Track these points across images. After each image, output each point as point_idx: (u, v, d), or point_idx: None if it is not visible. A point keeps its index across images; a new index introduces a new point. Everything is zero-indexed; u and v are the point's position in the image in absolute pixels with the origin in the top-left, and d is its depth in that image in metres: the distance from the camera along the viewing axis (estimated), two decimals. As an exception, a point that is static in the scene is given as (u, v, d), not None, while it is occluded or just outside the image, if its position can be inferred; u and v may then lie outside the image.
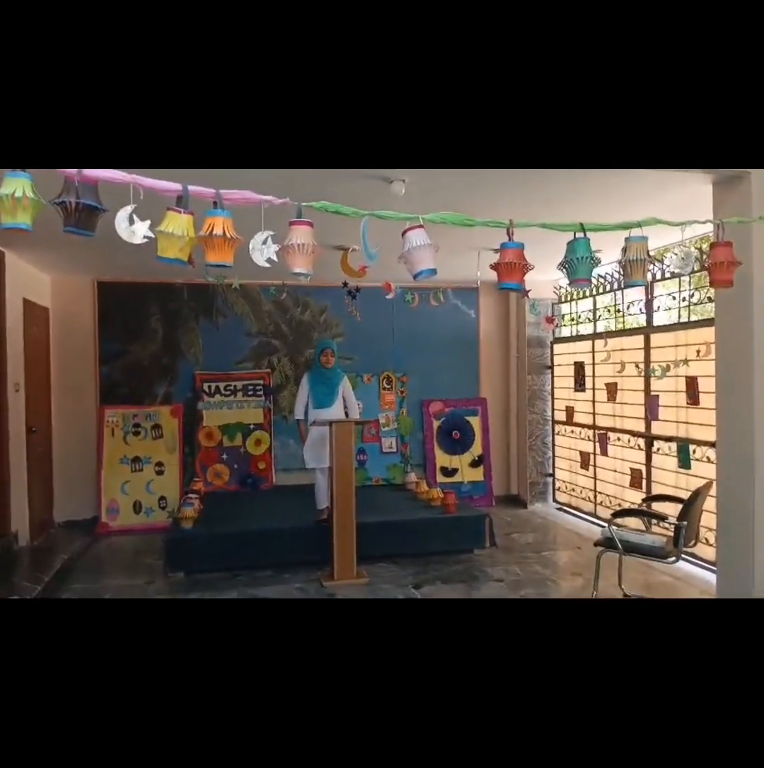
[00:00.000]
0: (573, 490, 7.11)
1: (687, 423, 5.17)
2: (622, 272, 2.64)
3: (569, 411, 7.12)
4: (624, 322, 6.30)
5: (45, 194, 1.82)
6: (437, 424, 7.57)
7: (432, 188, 3.90)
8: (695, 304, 5.24)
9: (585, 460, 6.81)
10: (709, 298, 4.92)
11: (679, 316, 5.37)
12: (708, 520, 4.25)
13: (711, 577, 4.44)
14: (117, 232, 1.92)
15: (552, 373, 7.49)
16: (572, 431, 7.11)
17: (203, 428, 6.96)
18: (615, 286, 6.28)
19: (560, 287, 7.29)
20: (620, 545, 3.92)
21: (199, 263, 2.12)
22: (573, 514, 7.04)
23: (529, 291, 6.23)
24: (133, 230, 1.92)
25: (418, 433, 7.54)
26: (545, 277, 6.84)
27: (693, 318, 5.22)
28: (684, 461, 5.12)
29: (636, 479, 5.86)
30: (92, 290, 6.87)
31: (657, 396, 5.53)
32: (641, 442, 5.80)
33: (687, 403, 5.12)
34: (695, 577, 4.84)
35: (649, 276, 4.64)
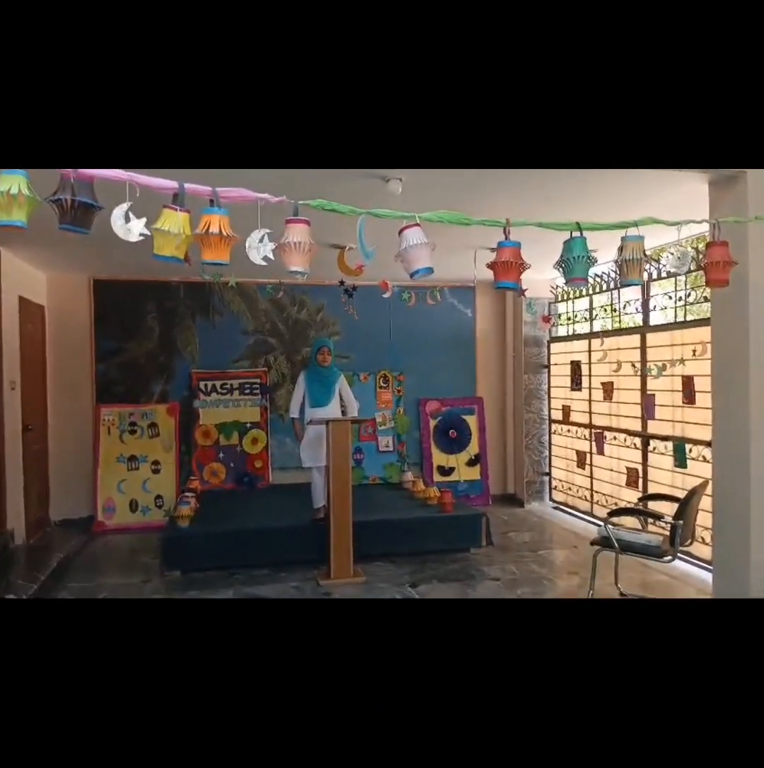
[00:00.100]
0: (570, 489, 7.12)
1: (683, 422, 5.18)
2: (618, 272, 2.64)
3: (566, 410, 7.13)
4: (620, 321, 6.31)
5: (41, 191, 1.82)
6: (433, 423, 7.57)
7: (429, 187, 3.90)
8: (691, 303, 5.25)
9: (581, 459, 6.82)
10: (705, 298, 4.93)
11: (675, 316, 5.38)
12: (704, 519, 4.26)
13: (708, 576, 4.45)
14: (113, 230, 1.91)
15: (549, 372, 7.50)
16: (568, 430, 7.11)
17: (200, 427, 6.95)
18: (612, 285, 6.29)
19: (557, 286, 7.29)
20: (616, 544, 3.93)
21: (195, 261, 2.12)
22: (570, 513, 7.04)
23: (526, 290, 6.24)
24: (129, 228, 1.91)
25: (415, 432, 7.55)
26: (541, 276, 6.85)
27: (689, 317, 5.23)
28: (680, 460, 5.13)
29: (632, 478, 5.87)
30: (88, 288, 6.86)
31: (653, 395, 5.55)
32: (637, 441, 5.81)
33: (683, 403, 5.13)
34: (691, 576, 4.86)
35: (645, 275, 4.65)
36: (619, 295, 6.24)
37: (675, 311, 5.39)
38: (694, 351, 4.98)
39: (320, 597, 4.56)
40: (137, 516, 6.65)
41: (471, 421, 7.65)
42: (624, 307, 6.18)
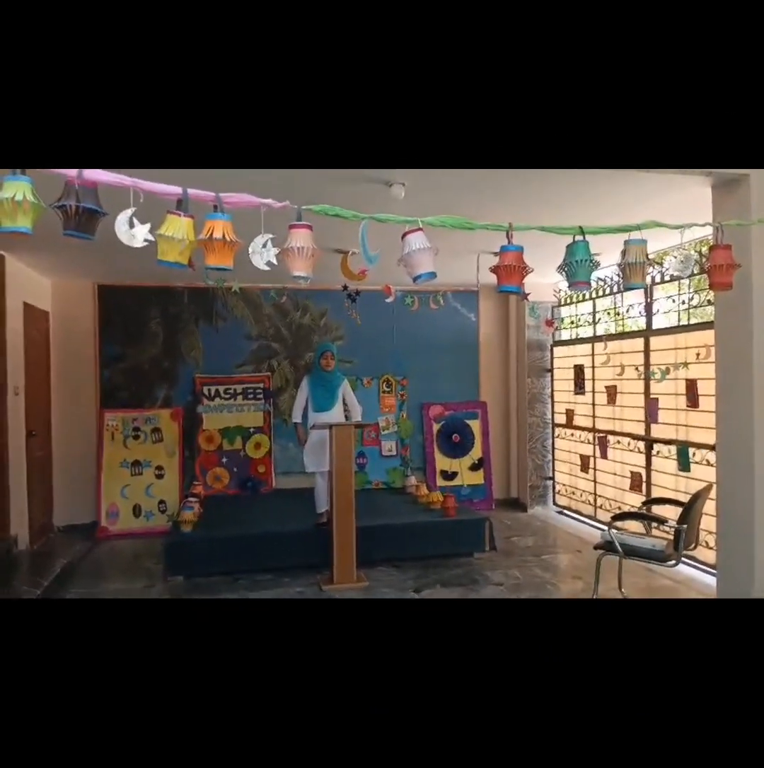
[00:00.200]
0: (573, 493, 7.11)
1: (686, 426, 5.17)
2: (621, 275, 2.64)
3: (569, 414, 7.12)
4: (623, 325, 6.30)
5: (45, 198, 1.83)
6: (437, 428, 7.57)
7: (432, 191, 3.91)
8: (694, 307, 5.24)
9: (584, 463, 6.81)
10: (709, 301, 4.93)
11: (679, 319, 5.38)
12: (708, 523, 4.25)
13: (712, 581, 4.44)
14: (117, 236, 1.92)
15: (552, 376, 7.49)
16: (572, 434, 7.10)
17: (203, 432, 6.96)
18: (615, 289, 6.29)
19: (560, 290, 7.29)
20: (620, 548, 3.92)
21: (199, 267, 2.12)
22: (573, 518, 7.03)
23: (529, 294, 6.24)
24: (134, 234, 1.92)
25: (418, 437, 7.54)
26: (544, 280, 6.84)
27: (693, 321, 5.22)
28: (684, 464, 5.12)
29: (635, 482, 5.86)
30: (93, 294, 6.88)
31: (656, 399, 5.54)
32: (641, 445, 5.80)
33: (687, 406, 5.12)
34: (695, 580, 4.84)
35: (648, 279, 4.64)
36: (622, 298, 6.24)
37: (679, 315, 5.39)
38: (698, 354, 4.98)
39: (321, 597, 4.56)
40: (141, 521, 6.65)
41: (474, 425, 7.64)
42: (628, 311, 6.17)
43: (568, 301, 7.26)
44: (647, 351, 5.68)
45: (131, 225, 1.92)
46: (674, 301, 5.47)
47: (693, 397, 5.03)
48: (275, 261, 2.12)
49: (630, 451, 5.96)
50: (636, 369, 5.84)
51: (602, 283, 6.38)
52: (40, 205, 1.80)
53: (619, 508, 6.01)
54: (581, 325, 7.10)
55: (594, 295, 6.64)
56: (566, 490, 7.28)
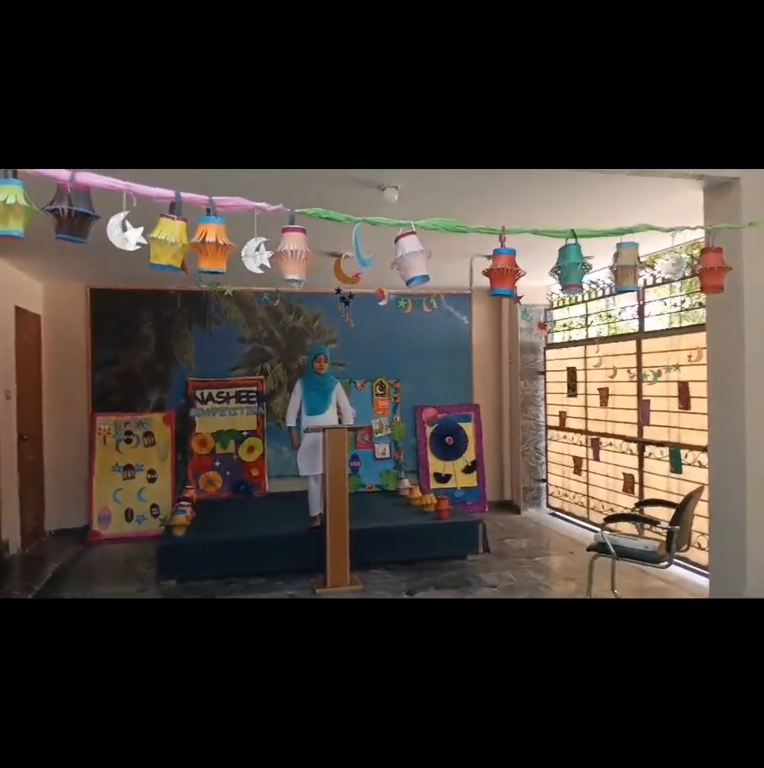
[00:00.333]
0: (566, 495, 7.12)
1: (678, 428, 5.20)
2: (613, 278, 2.66)
3: (562, 416, 7.14)
4: (616, 327, 6.33)
5: (37, 201, 1.82)
6: (430, 430, 7.57)
7: (425, 195, 3.91)
8: (686, 309, 5.27)
9: (577, 466, 6.83)
10: (700, 304, 4.96)
11: (671, 322, 5.41)
12: (700, 524, 4.27)
13: (704, 582, 4.46)
14: (110, 239, 1.92)
15: (545, 378, 7.51)
16: (564, 436, 7.12)
17: (196, 435, 6.94)
18: (607, 291, 6.31)
19: (553, 293, 7.32)
20: (613, 550, 3.93)
21: (192, 270, 2.12)
22: (566, 520, 7.04)
23: (521, 297, 6.26)
24: (126, 237, 1.92)
25: (411, 439, 7.54)
26: (537, 283, 6.86)
27: (685, 323, 5.25)
28: (676, 466, 5.14)
29: (628, 484, 5.88)
30: (85, 297, 6.85)
31: (648, 401, 5.56)
32: (633, 446, 5.82)
33: (679, 408, 5.14)
34: (687, 581, 4.86)
35: (640, 282, 4.67)
36: (614, 301, 6.27)
37: (671, 317, 5.41)
38: (689, 357, 5.00)
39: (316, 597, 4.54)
40: (133, 525, 6.62)
41: (468, 428, 7.65)
42: (620, 314, 6.20)
43: (561, 303, 7.29)
44: (639, 353, 5.70)
45: (124, 228, 1.92)
46: (666, 303, 5.50)
47: (685, 399, 5.05)
48: (268, 264, 2.12)
49: (623, 453, 5.98)
50: (628, 371, 5.86)
51: (594, 286, 6.40)
52: (32, 208, 1.79)
53: (612, 509, 6.03)
54: (573, 328, 7.12)
55: (586, 298, 6.67)
56: (559, 492, 7.30)
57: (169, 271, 2.01)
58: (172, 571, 5.05)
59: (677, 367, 5.17)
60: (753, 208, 3.51)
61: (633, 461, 5.81)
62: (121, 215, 1.91)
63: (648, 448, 5.61)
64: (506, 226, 2.43)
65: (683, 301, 5.28)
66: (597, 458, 6.43)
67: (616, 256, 2.61)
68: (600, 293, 6.45)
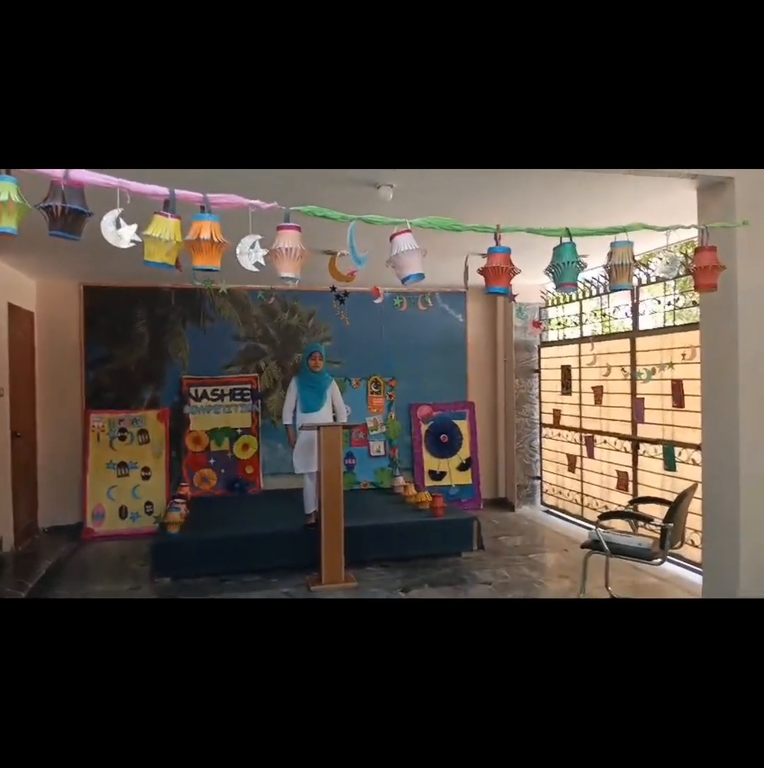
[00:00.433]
0: (560, 492, 7.14)
1: (672, 425, 5.22)
2: (608, 276, 2.67)
3: (557, 414, 7.16)
4: (610, 325, 6.34)
5: (31, 198, 1.81)
6: (425, 428, 7.58)
7: (420, 193, 3.91)
8: (680, 308, 5.29)
9: (571, 463, 6.85)
10: (694, 302, 4.97)
11: (665, 320, 5.42)
12: (693, 521, 4.29)
13: (697, 579, 4.48)
14: (104, 236, 1.91)
15: (539, 376, 7.53)
16: (559, 434, 7.14)
17: (190, 433, 6.93)
18: (601, 290, 6.33)
19: (547, 291, 7.33)
20: (606, 547, 3.95)
21: (186, 267, 2.12)
22: (560, 517, 7.06)
23: (516, 295, 6.26)
24: (120, 234, 1.91)
25: (406, 437, 7.55)
26: (532, 282, 6.87)
27: (679, 322, 5.26)
28: (670, 463, 5.16)
29: (622, 482, 5.90)
30: (78, 294, 6.83)
31: (642, 399, 5.58)
32: (627, 444, 5.84)
33: (673, 406, 5.16)
34: (681, 578, 4.88)
35: (635, 280, 4.68)
36: (609, 299, 6.28)
37: (665, 315, 5.43)
38: (683, 355, 5.02)
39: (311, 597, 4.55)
40: (127, 523, 6.61)
41: (463, 425, 7.66)
42: (614, 312, 6.22)
43: (555, 302, 7.30)
44: (633, 352, 5.72)
45: (118, 226, 1.91)
46: (660, 302, 5.51)
47: (678, 397, 5.07)
48: (262, 262, 2.12)
49: (617, 450, 6.00)
50: (623, 369, 5.88)
51: (588, 285, 6.41)
52: (26, 205, 1.79)
53: (606, 507, 6.05)
54: (568, 326, 7.14)
55: (580, 297, 6.68)
56: (553, 490, 7.31)
57: (164, 268, 2.00)
58: (166, 568, 5.04)
59: (671, 365, 5.18)
60: (747, 207, 3.52)
61: (627, 459, 5.83)
62: (115, 212, 1.90)
63: (642, 446, 5.63)
64: (501, 224, 2.43)
65: (677, 300, 5.30)
66: (591, 456, 6.45)
67: (610, 254, 2.62)
68: (594, 292, 6.46)
